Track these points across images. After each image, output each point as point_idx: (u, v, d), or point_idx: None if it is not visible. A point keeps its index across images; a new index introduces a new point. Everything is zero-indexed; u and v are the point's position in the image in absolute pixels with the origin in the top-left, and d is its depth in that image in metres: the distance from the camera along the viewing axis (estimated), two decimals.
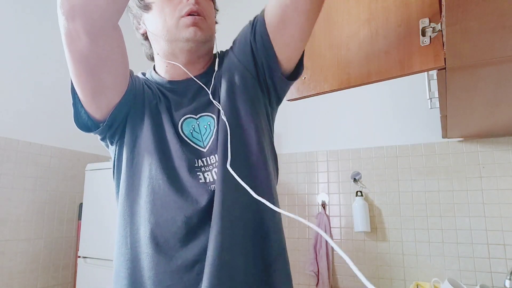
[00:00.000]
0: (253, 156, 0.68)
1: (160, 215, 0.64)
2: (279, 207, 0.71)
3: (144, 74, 0.81)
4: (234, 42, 0.78)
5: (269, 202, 0.66)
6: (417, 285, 1.49)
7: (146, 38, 0.77)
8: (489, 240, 1.48)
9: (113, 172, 0.74)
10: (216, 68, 0.76)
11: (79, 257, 1.85)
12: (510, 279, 1.32)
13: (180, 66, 0.73)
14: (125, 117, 0.70)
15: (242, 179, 0.60)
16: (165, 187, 0.65)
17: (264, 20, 0.69)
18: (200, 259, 0.63)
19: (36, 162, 1.90)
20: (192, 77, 0.74)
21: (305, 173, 1.90)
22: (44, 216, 1.91)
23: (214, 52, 0.81)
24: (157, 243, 0.63)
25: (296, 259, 1.84)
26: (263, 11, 0.70)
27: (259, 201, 0.63)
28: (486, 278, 1.45)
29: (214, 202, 0.64)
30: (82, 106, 0.65)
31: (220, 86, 0.72)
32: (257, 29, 0.70)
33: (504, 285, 1.34)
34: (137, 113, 0.70)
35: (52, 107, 1.97)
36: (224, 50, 0.81)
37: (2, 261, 1.69)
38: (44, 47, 2.00)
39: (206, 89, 0.73)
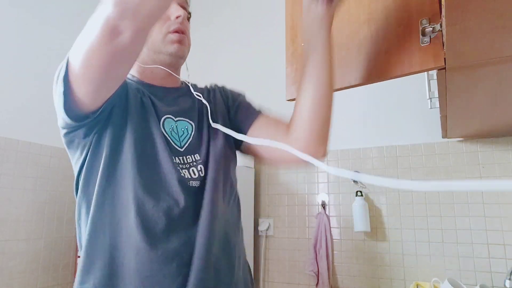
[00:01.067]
0: (230, 173, 0.80)
1: (142, 204, 0.66)
2: (240, 220, 0.83)
3: None
4: (224, 89, 0.90)
5: (237, 210, 0.81)
6: (417, 285, 1.49)
7: None
8: (489, 240, 1.48)
9: (82, 165, 0.70)
10: (186, 82, 0.87)
11: (79, 257, 1.85)
12: (510, 279, 1.32)
13: (168, 70, 0.79)
14: (112, 108, 0.70)
15: (221, 186, 0.74)
16: (148, 176, 0.68)
17: (250, 125, 0.82)
18: (180, 251, 0.65)
19: (36, 162, 1.90)
20: (187, 83, 0.82)
21: (305, 173, 1.90)
22: (44, 216, 1.91)
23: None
24: (140, 232, 0.64)
25: (296, 259, 1.84)
26: (253, 120, 0.82)
27: (228, 215, 0.76)
28: (486, 278, 1.45)
29: (204, 199, 0.70)
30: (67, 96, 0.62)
31: (207, 109, 0.82)
32: (239, 115, 0.84)
33: (504, 285, 1.34)
34: (123, 105, 0.71)
35: (52, 107, 1.96)
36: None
37: (2, 261, 1.69)
38: (44, 46, 2.00)
39: (205, 101, 0.80)
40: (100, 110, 0.65)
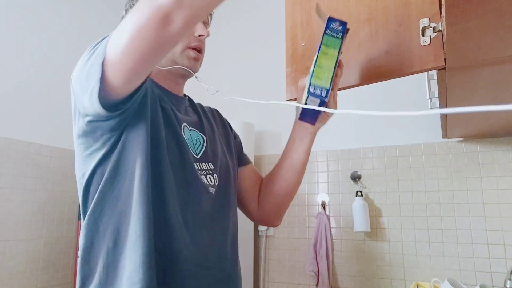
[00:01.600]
0: (233, 188, 0.86)
1: (183, 208, 0.70)
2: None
3: None
4: (225, 119, 0.98)
5: (234, 219, 0.85)
6: (417, 285, 1.49)
7: None
8: (489, 240, 1.48)
9: (103, 158, 0.66)
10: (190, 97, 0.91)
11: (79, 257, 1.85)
12: (511, 279, 1.31)
13: (188, 70, 0.80)
14: (142, 102, 0.67)
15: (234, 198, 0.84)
16: (183, 180, 0.71)
17: (239, 167, 0.94)
18: (207, 255, 0.72)
19: (36, 162, 1.90)
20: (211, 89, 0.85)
21: (305, 173, 1.90)
22: (44, 216, 1.91)
23: None
24: (182, 229, 0.68)
25: (296, 259, 1.84)
26: (242, 165, 0.96)
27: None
28: (486, 278, 1.45)
29: (227, 207, 0.80)
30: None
31: (211, 126, 0.89)
32: (240, 156, 0.96)
33: (504, 285, 1.34)
34: (152, 103, 0.70)
35: (52, 107, 1.97)
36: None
37: (2, 261, 1.69)
38: (44, 47, 2.00)
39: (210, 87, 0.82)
40: (131, 101, 0.62)
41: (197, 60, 0.80)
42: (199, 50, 0.80)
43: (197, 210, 0.72)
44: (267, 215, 0.92)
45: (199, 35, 0.78)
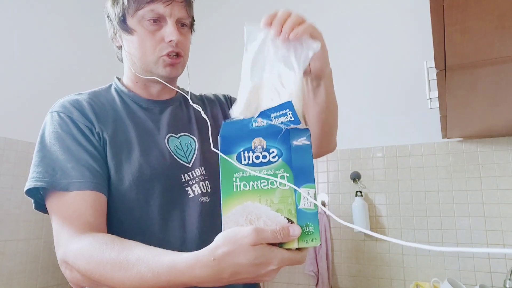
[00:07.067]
0: None
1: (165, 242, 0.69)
2: None
3: (118, 79, 0.83)
4: (228, 97, 0.93)
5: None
6: (416, 285, 1.49)
7: (120, 48, 0.79)
8: (489, 240, 1.48)
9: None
10: (184, 94, 0.86)
11: None
12: (510, 279, 1.32)
13: (167, 84, 0.79)
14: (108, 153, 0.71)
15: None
16: (170, 205, 0.71)
17: None
18: None
19: None
20: (190, 102, 0.82)
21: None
22: (44, 216, 1.90)
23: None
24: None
25: None
26: None
27: None
28: (486, 278, 1.45)
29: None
30: None
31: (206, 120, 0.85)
32: None
33: (504, 285, 1.34)
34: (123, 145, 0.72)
35: None
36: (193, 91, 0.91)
37: (2, 261, 1.69)
38: (44, 47, 2.00)
39: (199, 108, 0.79)
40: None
41: (174, 65, 0.75)
42: (175, 54, 0.75)
43: (187, 227, 0.71)
44: (318, 143, 0.80)
45: (169, 41, 0.73)
